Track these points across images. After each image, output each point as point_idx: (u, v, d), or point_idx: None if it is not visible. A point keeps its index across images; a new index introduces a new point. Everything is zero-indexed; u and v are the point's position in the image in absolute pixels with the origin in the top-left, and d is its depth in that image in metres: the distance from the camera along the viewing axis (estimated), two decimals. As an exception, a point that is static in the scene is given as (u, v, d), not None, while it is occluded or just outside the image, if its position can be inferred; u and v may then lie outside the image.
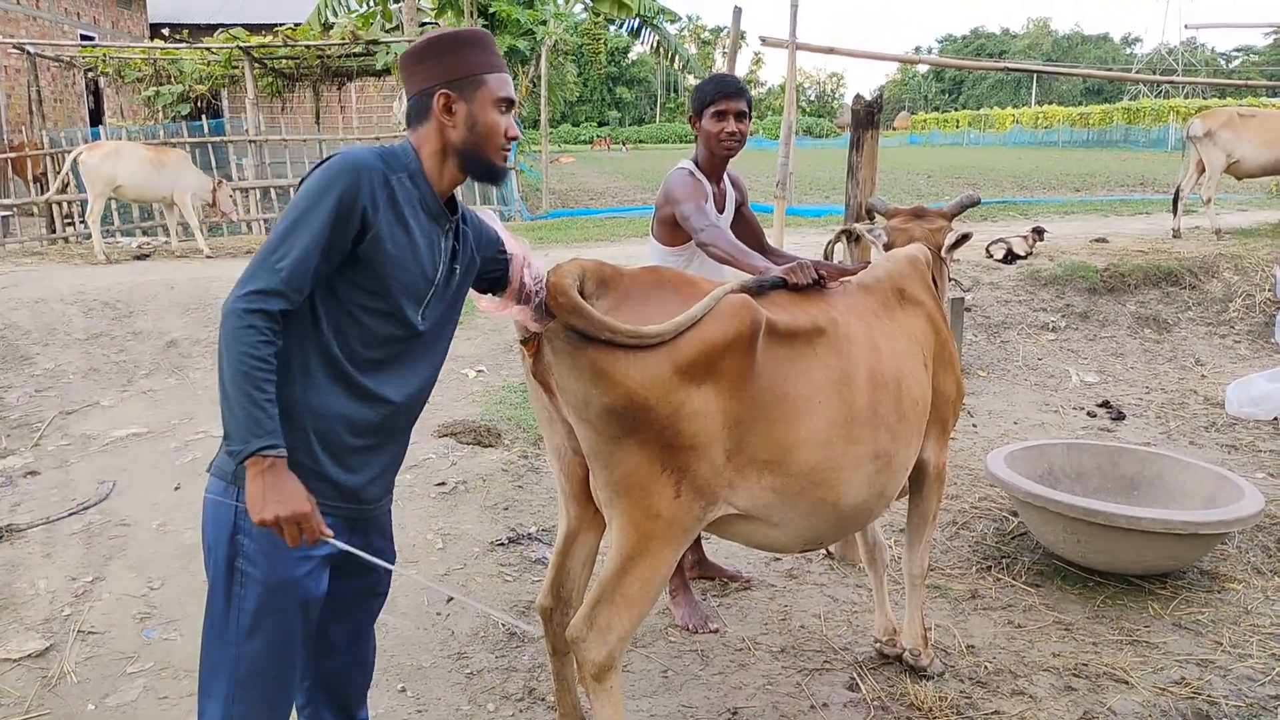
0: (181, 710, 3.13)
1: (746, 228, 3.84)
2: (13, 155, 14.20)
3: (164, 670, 3.39)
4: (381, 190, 2.01)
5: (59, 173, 13.58)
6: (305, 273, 1.92)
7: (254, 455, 1.86)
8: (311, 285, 1.96)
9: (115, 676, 3.36)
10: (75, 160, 10.75)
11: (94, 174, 10.42)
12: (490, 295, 2.44)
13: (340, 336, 2.04)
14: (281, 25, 16.23)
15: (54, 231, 13.47)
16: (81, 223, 13.62)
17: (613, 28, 23.40)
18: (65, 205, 13.65)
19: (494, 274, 2.40)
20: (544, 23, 17.25)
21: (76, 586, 3.97)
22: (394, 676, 3.37)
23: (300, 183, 2.03)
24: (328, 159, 2.03)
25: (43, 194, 13.78)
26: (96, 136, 14.14)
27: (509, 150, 2.19)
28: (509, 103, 2.15)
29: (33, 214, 14.02)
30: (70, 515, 4.62)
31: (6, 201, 13.38)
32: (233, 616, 2.03)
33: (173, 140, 13.81)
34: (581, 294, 2.38)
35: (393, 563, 2.35)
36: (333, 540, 1.99)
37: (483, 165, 2.15)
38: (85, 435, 5.72)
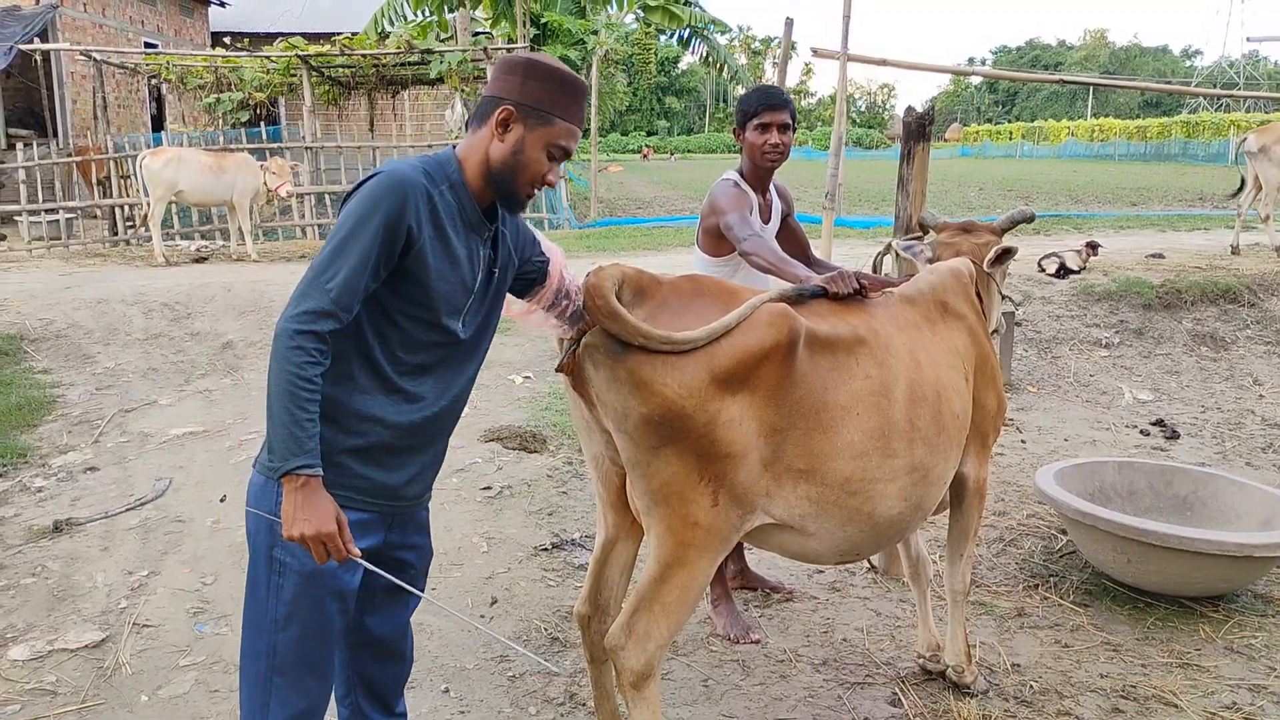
0: (231, 704, 3.19)
1: (792, 238, 3.84)
2: (78, 159, 14.59)
3: (215, 664, 3.47)
4: (425, 206, 2.05)
5: (123, 177, 13.97)
6: (354, 292, 1.97)
7: (290, 473, 1.93)
8: (360, 302, 2.01)
9: (168, 669, 3.45)
10: (139, 165, 11.05)
11: (156, 178, 10.71)
12: (521, 300, 2.47)
13: (383, 342, 2.09)
14: (339, 35, 16.51)
15: (115, 234, 13.84)
16: (143, 226, 13.98)
17: (663, 38, 23.48)
18: (127, 208, 14.01)
19: (530, 275, 2.42)
20: (595, 32, 17.38)
21: (133, 580, 4.08)
22: (438, 677, 3.42)
23: (347, 197, 2.07)
24: (373, 175, 2.06)
25: (106, 197, 14.16)
26: (159, 142, 14.50)
27: (536, 191, 2.20)
28: (564, 153, 2.17)
29: (95, 216, 14.41)
30: (127, 511, 4.74)
31: (71, 204, 13.76)
32: (270, 605, 2.09)
33: (232, 146, 14.10)
34: (619, 300, 2.40)
35: (430, 556, 2.42)
36: (361, 560, 2.04)
37: (506, 191, 2.16)
38: (143, 433, 5.87)
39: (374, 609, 2.35)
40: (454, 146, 2.20)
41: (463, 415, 6.31)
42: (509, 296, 2.48)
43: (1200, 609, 3.95)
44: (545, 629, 3.76)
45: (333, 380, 2.04)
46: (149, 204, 10.98)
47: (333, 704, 2.33)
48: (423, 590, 2.44)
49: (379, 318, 2.08)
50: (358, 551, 2.02)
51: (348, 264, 1.96)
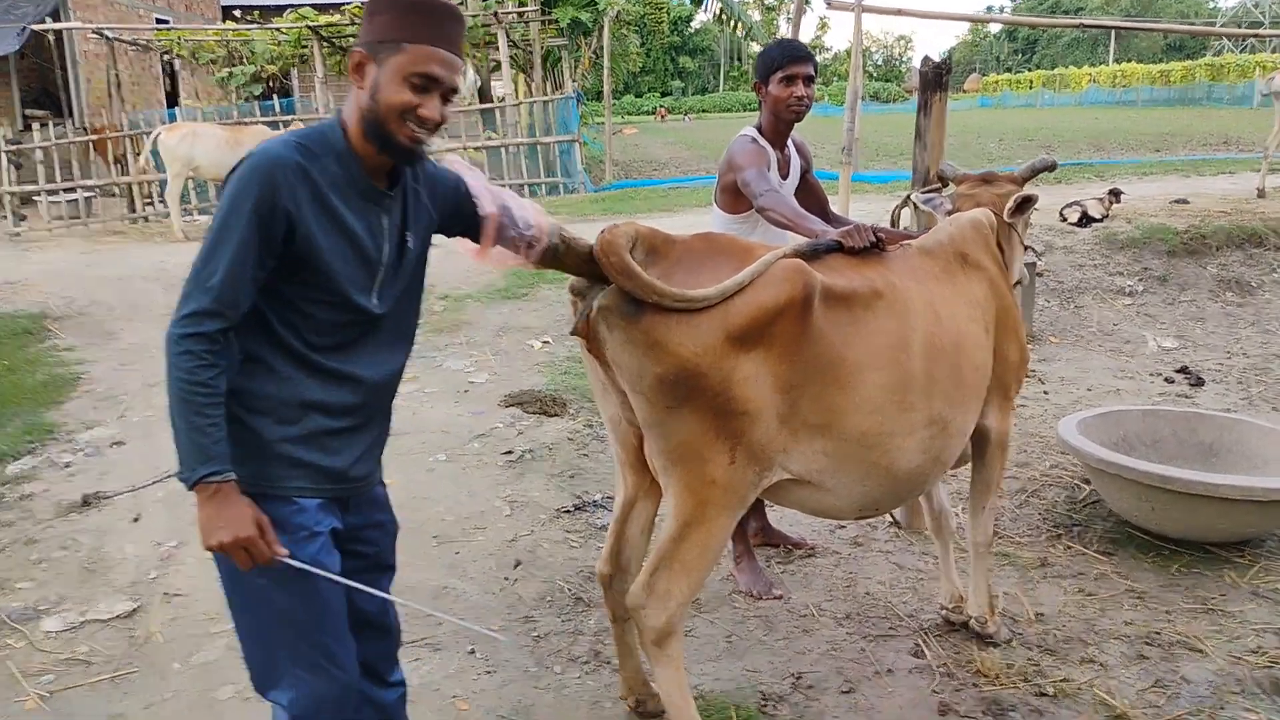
0: (261, 669, 3.25)
1: (810, 194, 3.81)
2: (94, 137, 14.65)
3: None
4: (302, 186, 1.91)
5: (138, 154, 14.02)
6: (238, 286, 1.86)
7: (200, 482, 1.84)
8: (251, 295, 1.90)
9: (199, 637, 3.50)
10: (154, 141, 11.09)
11: (172, 154, 10.75)
12: (469, 240, 2.28)
13: (292, 330, 1.98)
14: (349, 4, 16.42)
15: (134, 211, 13.91)
16: (161, 202, 14.05)
17: (675, -4, 23.16)
18: (145, 185, 14.07)
19: (464, 219, 2.23)
20: (606, -7, 17.16)
21: (162, 551, 4.14)
22: (463, 639, 3.45)
23: (222, 185, 1.95)
24: (243, 160, 1.91)
25: (123, 175, 14.22)
26: (173, 118, 14.53)
27: (422, 133, 1.96)
28: (428, 80, 1.93)
29: (114, 194, 14.48)
30: (155, 484, 4.80)
31: (89, 182, 13.83)
32: (264, 609, 2.02)
33: (246, 120, 14.11)
34: (632, 258, 2.38)
35: (395, 531, 2.33)
36: (290, 560, 1.94)
37: (382, 139, 1.95)
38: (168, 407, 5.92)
39: (352, 590, 2.24)
40: (338, 112, 2.03)
41: (484, 382, 6.29)
42: (462, 243, 2.30)
43: (1225, 555, 3.93)
44: (569, 589, 3.79)
45: (255, 374, 1.97)
46: (170, 179, 11.01)
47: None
48: (394, 564, 2.37)
49: (283, 309, 1.97)
50: (284, 551, 1.93)
51: (225, 259, 1.85)
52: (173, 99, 21.15)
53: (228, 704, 3.12)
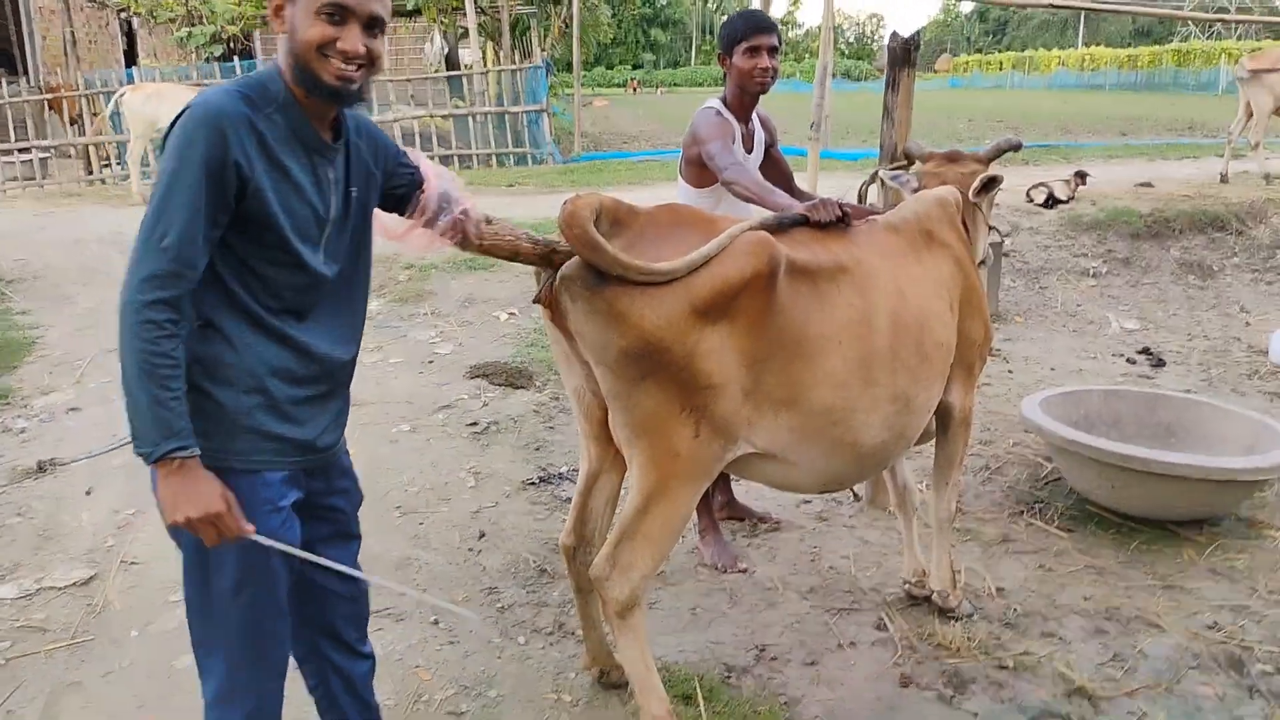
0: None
1: (775, 169, 3.78)
2: (49, 96, 14.28)
3: None
4: (249, 137, 1.82)
5: (95, 115, 13.71)
6: (194, 244, 1.77)
7: (164, 458, 1.77)
8: (206, 254, 1.81)
9: (157, 605, 3.45)
10: (118, 101, 10.84)
11: (137, 115, 10.53)
12: (396, 216, 2.22)
13: (247, 291, 1.90)
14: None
15: (91, 173, 13.62)
16: (119, 164, 13.76)
17: (647, -33, 22.93)
18: (102, 147, 13.76)
19: (400, 188, 2.18)
20: (578, -38, 16.98)
21: (119, 519, 4.07)
22: (426, 610, 3.43)
23: (165, 137, 1.84)
24: (183, 112, 1.81)
25: (80, 135, 13.89)
26: (131, 78, 14.19)
27: (349, 69, 1.87)
28: (339, 9, 1.84)
29: (70, 155, 14.15)
30: (112, 450, 4.71)
31: (44, 143, 13.50)
32: (215, 580, 1.96)
33: (206, 82, 13.81)
34: (596, 230, 2.35)
35: (359, 499, 2.30)
36: (257, 537, 1.89)
37: (310, 80, 1.87)
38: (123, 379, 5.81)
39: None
40: (274, 61, 1.94)
41: (450, 353, 6.24)
42: (387, 217, 2.24)
43: (1183, 533, 3.99)
44: (534, 561, 3.77)
45: (214, 341, 1.89)
46: (132, 139, 10.76)
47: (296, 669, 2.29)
48: (358, 533, 2.33)
49: (237, 267, 1.89)
50: (251, 528, 1.88)
51: (179, 217, 1.75)
52: (130, 58, 20.67)
53: (186, 673, 3.06)
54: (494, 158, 15.02)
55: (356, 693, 2.39)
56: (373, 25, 1.90)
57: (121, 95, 10.81)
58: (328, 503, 2.18)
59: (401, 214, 2.20)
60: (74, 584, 3.59)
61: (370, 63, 1.91)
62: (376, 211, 2.19)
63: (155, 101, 10.55)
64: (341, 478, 2.23)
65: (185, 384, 1.80)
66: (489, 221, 2.31)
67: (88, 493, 4.31)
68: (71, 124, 14.25)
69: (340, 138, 2.02)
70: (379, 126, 2.22)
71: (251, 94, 1.87)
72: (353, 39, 1.86)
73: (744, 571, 3.74)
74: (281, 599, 2.06)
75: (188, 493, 1.79)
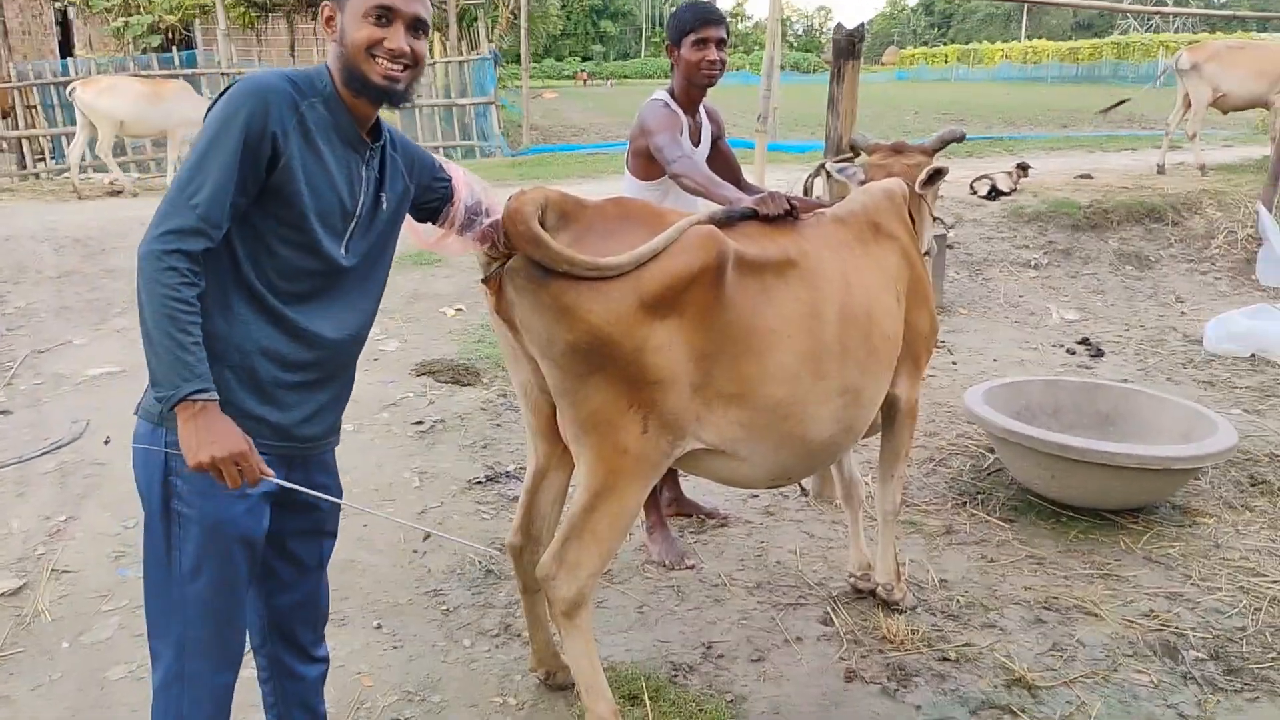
0: (156, 648, 3.13)
1: (723, 162, 3.77)
2: (-21, 89, 13.86)
3: (139, 608, 3.33)
4: (290, 115, 1.91)
5: (29, 107, 13.33)
6: (222, 207, 1.84)
7: (184, 400, 1.80)
8: (230, 220, 1.88)
9: (90, 615, 3.36)
10: (69, 94, 10.56)
11: (92, 109, 10.26)
12: (429, 225, 2.36)
13: (257, 268, 1.95)
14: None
15: (24, 167, 13.23)
16: (54, 158, 13.39)
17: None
18: (36, 141, 13.39)
19: (434, 201, 2.30)
20: (525, -48, 16.84)
21: (50, 526, 3.95)
22: (370, 613, 3.38)
23: (208, 111, 1.92)
24: (232, 84, 1.91)
25: (14, 129, 13.49)
26: (66, 70, 13.82)
27: (395, 69, 1.98)
28: (386, 11, 1.96)
29: (2, 149, 13.74)
30: (43, 454, 4.58)
31: (-26, 137, 13.11)
32: (174, 559, 1.98)
33: (142, 74, 13.49)
34: (542, 225, 2.32)
35: (338, 497, 2.28)
36: (276, 480, 1.93)
37: (359, 81, 1.98)
38: (58, 374, 5.66)
39: (285, 554, 2.24)
40: (324, 64, 2.05)
41: (395, 350, 6.15)
42: (420, 226, 2.37)
43: (1121, 521, 4.06)
44: (480, 562, 3.73)
45: (213, 315, 1.91)
46: (94, 135, 10.46)
47: (250, 656, 2.26)
48: (335, 530, 2.34)
49: (252, 243, 1.94)
50: (271, 472, 1.91)
51: (211, 177, 1.82)
52: (66, 49, 20.11)
53: (119, 684, 3.00)
54: (441, 150, 14.85)
55: (305, 698, 2.38)
56: (416, 27, 2.01)
57: (72, 91, 10.51)
58: (302, 499, 2.15)
59: (435, 224, 2.35)
60: (2, 594, 3.47)
61: (415, 63, 2.02)
62: (411, 221, 2.32)
63: (110, 95, 10.30)
64: (321, 473, 2.21)
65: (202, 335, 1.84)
66: None
67: (21, 495, 4.18)
68: (3, 117, 13.84)
69: (378, 141, 2.11)
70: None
71: (299, 81, 1.97)
72: (398, 39, 1.98)
73: (691, 568, 3.74)
74: (240, 588, 2.05)
75: (212, 433, 1.82)
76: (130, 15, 16.14)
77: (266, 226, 1.94)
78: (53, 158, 13.51)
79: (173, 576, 1.99)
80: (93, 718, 2.85)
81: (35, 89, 13.47)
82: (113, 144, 10.71)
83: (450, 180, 2.31)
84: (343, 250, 2.04)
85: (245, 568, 2.05)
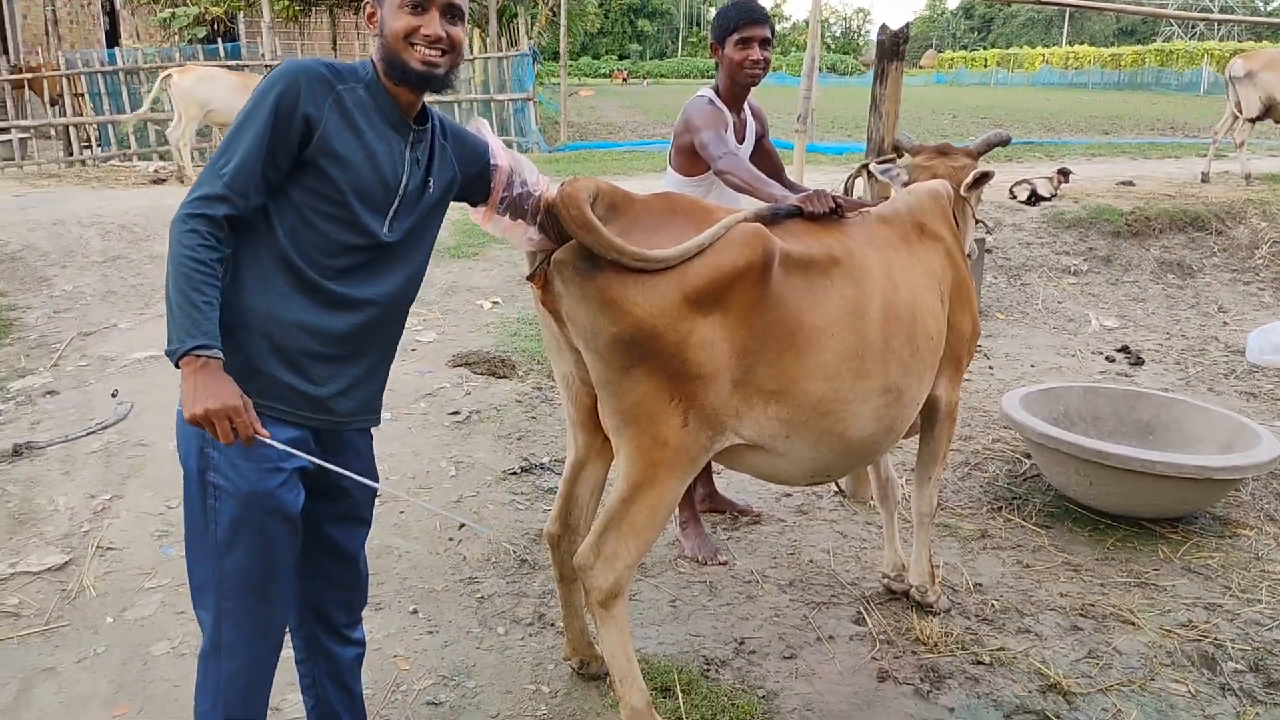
0: (197, 625, 3.18)
1: (766, 160, 3.78)
2: (29, 76, 14.09)
3: (181, 586, 3.43)
4: (325, 94, 2.00)
5: (76, 95, 13.54)
6: (249, 176, 1.92)
7: (188, 354, 1.85)
8: (261, 191, 1.95)
9: (133, 591, 3.42)
10: (163, 84, 10.83)
11: (187, 97, 10.54)
12: (479, 207, 2.41)
13: (296, 242, 2.00)
14: (298, -53, 15.95)
15: (71, 154, 13.45)
16: (100, 145, 13.61)
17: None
18: (83, 128, 13.61)
19: (485, 184, 2.35)
20: (566, -50, 16.89)
21: (95, 504, 4.03)
22: (406, 599, 3.42)
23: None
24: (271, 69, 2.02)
25: (60, 116, 13.71)
26: (113, 59, 14.03)
27: (433, 55, 2.05)
28: (423, 1, 2.04)
29: (50, 136, 13.98)
30: (89, 434, 4.67)
31: (24, 123, 13.33)
32: (210, 530, 2.02)
33: (188, 64, 13.68)
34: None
35: (374, 490, 2.30)
36: (272, 442, 1.94)
37: (398, 70, 2.06)
38: (103, 357, 5.76)
39: (321, 541, 2.26)
40: (370, 58, 2.14)
41: (432, 341, 6.20)
42: (470, 208, 2.41)
43: (1159, 530, 4.03)
44: (514, 551, 3.76)
45: (248, 286, 1.98)
46: (183, 123, 10.69)
47: (287, 636, 2.29)
48: (368, 518, 2.35)
49: (291, 217, 2.00)
50: (266, 432, 1.93)
51: (241, 148, 1.92)
52: (112, 39, 20.43)
53: (161, 659, 3.05)
54: (479, 146, 14.92)
55: (341, 679, 2.40)
56: (451, 13, 2.08)
57: (167, 77, 10.74)
58: (340, 483, 2.18)
59: (482, 201, 2.39)
60: (49, 569, 3.55)
61: (452, 47, 2.08)
62: (467, 206, 2.40)
63: (206, 84, 10.60)
64: (356, 459, 2.23)
65: (218, 292, 1.90)
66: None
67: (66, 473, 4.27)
68: (52, 104, 14.06)
69: (424, 124, 2.16)
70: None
71: (340, 68, 2.06)
72: (434, 24, 2.04)
73: (724, 564, 3.75)
74: (277, 563, 2.08)
75: (209, 388, 1.85)
76: (177, 6, 16.37)
77: (304, 201, 2.00)
78: (99, 145, 13.72)
79: (208, 547, 2.04)
80: (136, 691, 2.91)
81: (83, 77, 13.68)
82: (194, 132, 10.96)
83: (495, 168, 2.34)
84: (386, 228, 2.09)
85: (282, 543, 2.07)
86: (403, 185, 2.10)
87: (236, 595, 2.06)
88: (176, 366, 1.88)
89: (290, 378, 2.03)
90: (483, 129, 2.38)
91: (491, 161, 2.33)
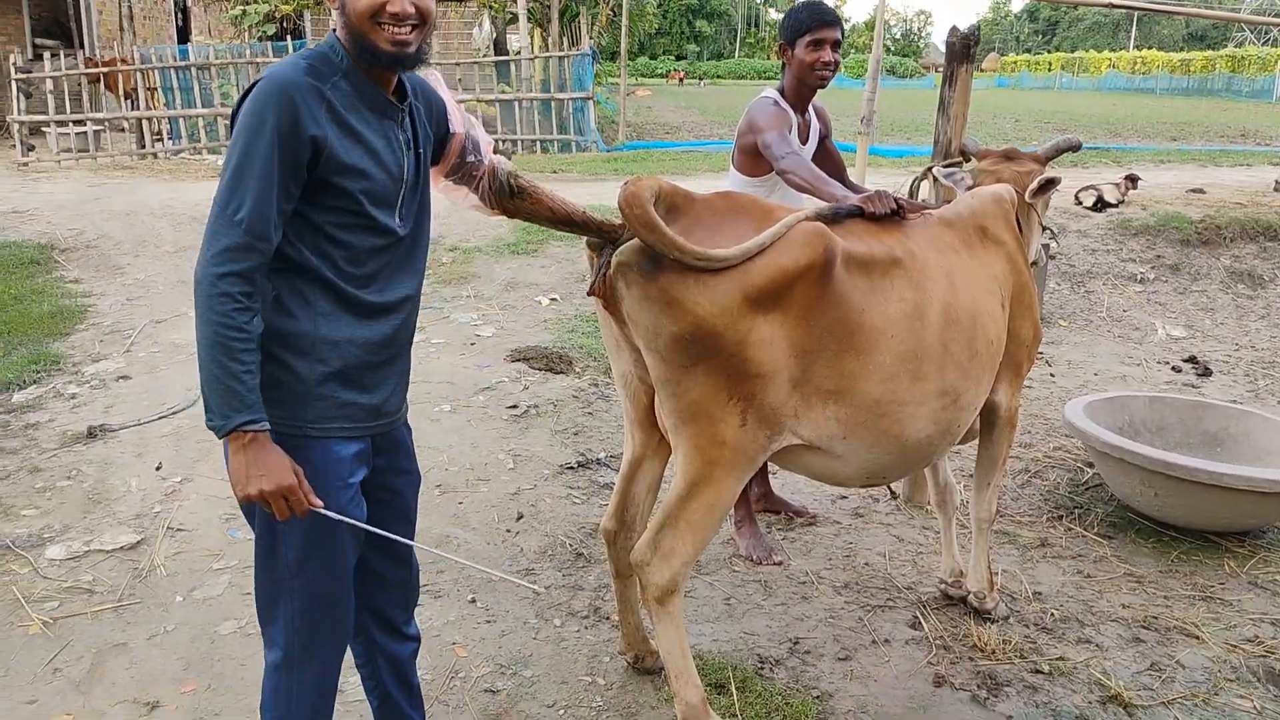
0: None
1: (829, 161, 3.77)
2: (105, 70, 14.49)
3: (248, 568, 3.47)
4: (319, 106, 1.85)
5: (149, 89, 13.90)
6: (267, 219, 1.80)
7: (235, 431, 1.79)
8: (280, 227, 1.84)
9: (202, 572, 3.52)
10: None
11: None
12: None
13: (327, 261, 1.93)
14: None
15: (143, 147, 13.81)
16: (171, 139, 13.94)
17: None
18: (155, 121, 13.95)
19: (440, 140, 2.22)
20: (627, -50, 16.94)
21: (166, 486, 4.15)
22: (464, 588, 3.47)
23: (234, 113, 1.87)
24: (253, 85, 1.85)
25: (133, 109, 14.09)
26: (185, 55, 14.38)
27: (402, 32, 1.88)
28: None
29: (123, 129, 14.37)
30: (160, 419, 4.81)
31: (98, 115, 13.72)
32: (281, 552, 2.01)
33: (258, 60, 13.97)
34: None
35: (418, 482, 2.32)
36: (325, 511, 1.92)
37: (369, 54, 1.89)
38: (174, 344, 5.93)
39: (375, 543, 2.24)
40: (333, 33, 1.97)
41: (491, 336, 6.26)
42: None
43: (1226, 544, 3.94)
44: (570, 544, 3.80)
45: (294, 314, 1.92)
46: None
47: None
48: (414, 517, 2.35)
49: (316, 239, 1.91)
50: (320, 502, 1.91)
51: (251, 190, 1.78)
52: (184, 35, 20.94)
53: (228, 638, 3.14)
54: (539, 144, 15.06)
55: (400, 673, 2.43)
56: None
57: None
58: (389, 483, 2.20)
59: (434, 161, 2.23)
60: (121, 548, 3.66)
61: (422, 21, 1.92)
62: None
63: None
64: (403, 457, 2.26)
65: (260, 355, 1.83)
66: (515, 178, 2.30)
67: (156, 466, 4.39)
68: (125, 98, 14.45)
69: (405, 99, 2.04)
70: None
71: (316, 64, 1.90)
72: (399, 1, 1.87)
73: (779, 564, 3.75)
74: (345, 575, 2.10)
75: (260, 466, 1.82)
76: (247, 4, 16.73)
77: (324, 219, 1.91)
78: (170, 138, 14.07)
79: (279, 568, 2.03)
80: (204, 669, 2.99)
81: (156, 72, 14.04)
82: None
83: (450, 116, 2.22)
84: (397, 220, 2.02)
85: (351, 555, 2.09)
86: (404, 172, 2.03)
87: (310, 611, 2.07)
88: (220, 438, 1.83)
89: (349, 394, 2.00)
90: (439, 86, 2.21)
91: (450, 129, 2.20)
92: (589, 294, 2.52)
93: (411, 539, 2.36)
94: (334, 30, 1.96)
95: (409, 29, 1.90)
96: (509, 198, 2.30)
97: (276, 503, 1.85)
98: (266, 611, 2.10)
